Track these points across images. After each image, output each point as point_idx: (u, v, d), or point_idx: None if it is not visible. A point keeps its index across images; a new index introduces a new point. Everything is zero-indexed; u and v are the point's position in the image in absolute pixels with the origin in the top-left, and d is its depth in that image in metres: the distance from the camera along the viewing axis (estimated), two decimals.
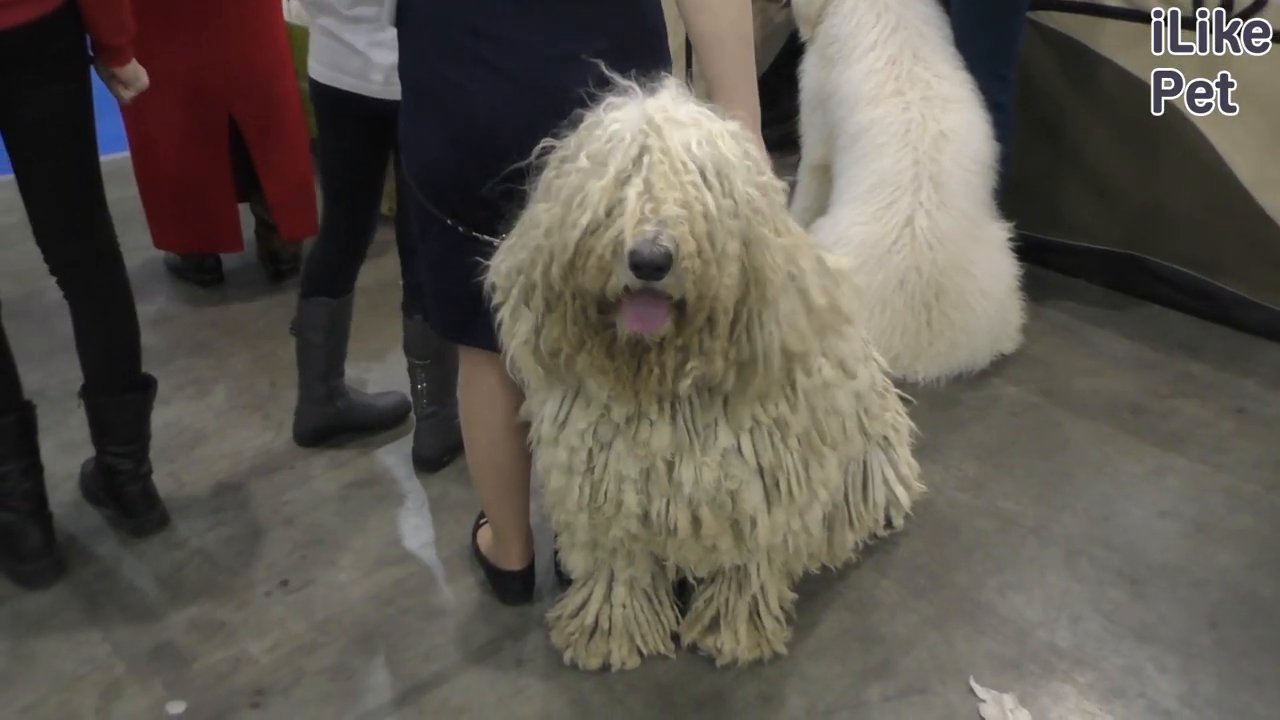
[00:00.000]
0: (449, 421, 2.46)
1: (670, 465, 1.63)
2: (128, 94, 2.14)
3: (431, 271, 1.85)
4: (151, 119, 3.00)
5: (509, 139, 1.58)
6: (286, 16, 3.20)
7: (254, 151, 3.13)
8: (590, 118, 1.46)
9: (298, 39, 3.15)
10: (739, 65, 1.61)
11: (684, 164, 1.37)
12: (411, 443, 2.59)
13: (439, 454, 2.53)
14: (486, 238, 1.68)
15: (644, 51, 1.63)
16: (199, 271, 3.41)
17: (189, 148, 3.07)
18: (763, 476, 1.67)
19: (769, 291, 1.47)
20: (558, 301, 1.45)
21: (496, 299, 1.59)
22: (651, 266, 1.33)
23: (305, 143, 3.25)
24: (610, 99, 1.46)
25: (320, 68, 2.28)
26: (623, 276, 1.37)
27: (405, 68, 1.69)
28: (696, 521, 1.67)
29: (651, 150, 1.37)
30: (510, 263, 1.53)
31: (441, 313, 1.88)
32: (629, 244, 1.34)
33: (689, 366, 1.49)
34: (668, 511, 1.66)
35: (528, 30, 1.57)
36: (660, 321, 1.42)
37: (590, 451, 1.66)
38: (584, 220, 1.36)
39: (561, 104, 1.54)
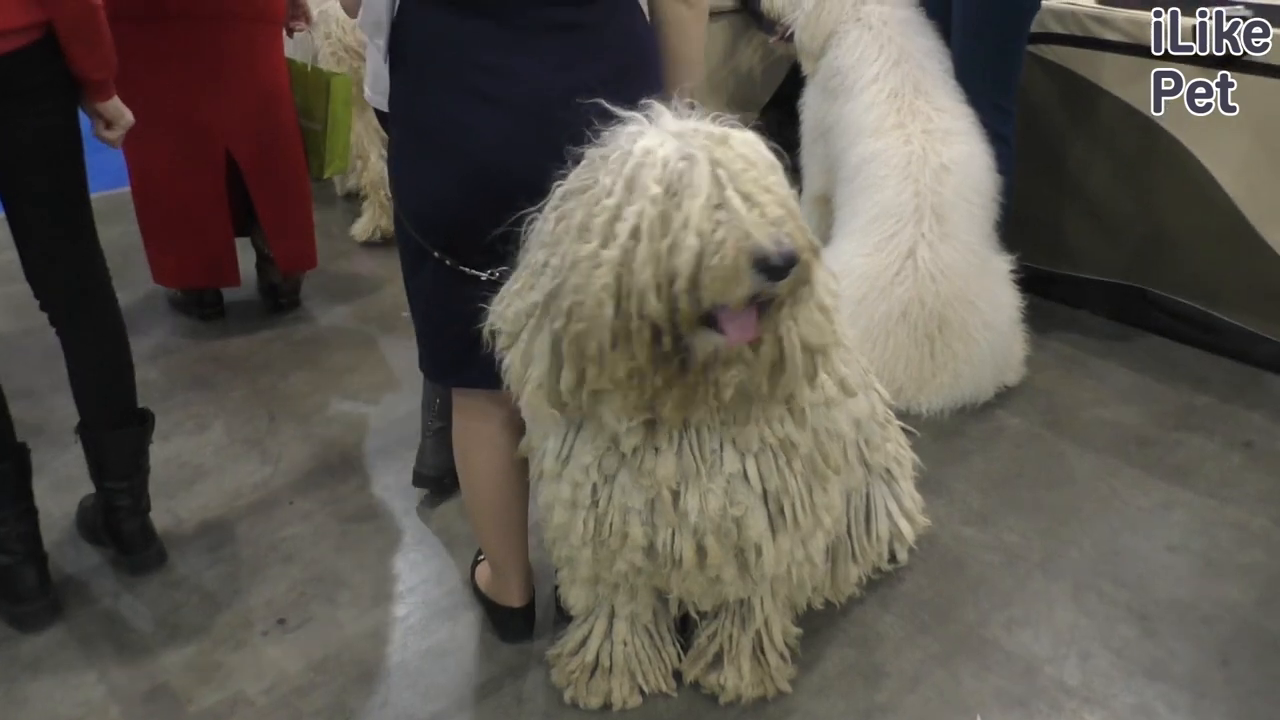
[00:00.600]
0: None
1: (676, 494, 1.61)
2: (112, 134, 2.10)
3: (423, 311, 1.83)
4: (149, 154, 3.01)
5: (514, 172, 1.58)
6: (287, 51, 3.21)
7: (251, 186, 3.14)
8: (607, 150, 1.44)
9: (297, 74, 3.16)
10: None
11: (764, 168, 1.40)
12: (410, 477, 2.56)
13: (440, 474, 2.48)
14: (479, 273, 1.67)
15: (643, 79, 1.63)
16: (199, 306, 3.40)
17: (186, 183, 3.07)
18: (767, 502, 1.65)
19: (804, 290, 1.48)
20: (624, 338, 1.41)
21: (503, 344, 1.56)
22: (784, 266, 1.35)
23: (304, 176, 3.25)
24: (621, 129, 1.45)
25: (370, 91, 2.31)
26: (748, 285, 1.36)
27: (399, 103, 1.68)
28: (701, 551, 1.65)
29: (726, 162, 1.38)
30: (519, 306, 1.51)
31: (435, 354, 1.86)
32: (765, 246, 1.34)
33: (731, 374, 1.48)
34: (673, 542, 1.64)
35: (528, 63, 1.57)
36: (757, 328, 1.43)
37: (595, 485, 1.64)
38: (690, 241, 1.34)
39: (567, 135, 1.55)
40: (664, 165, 1.38)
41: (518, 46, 1.58)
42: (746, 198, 1.37)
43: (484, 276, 1.66)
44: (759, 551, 1.67)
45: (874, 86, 2.90)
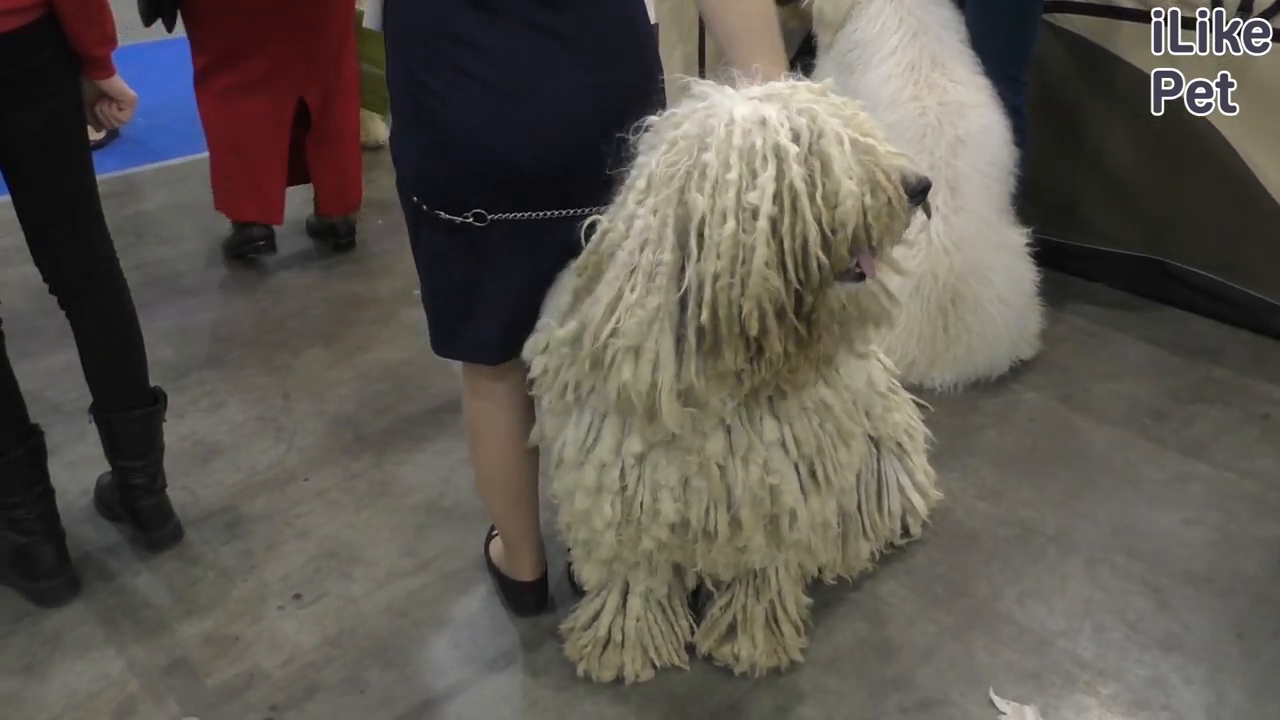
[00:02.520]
0: None
1: (722, 469, 1.59)
2: (125, 115, 2.09)
3: (424, 279, 1.83)
4: (234, 102, 3.28)
5: (488, 145, 1.58)
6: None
7: (314, 133, 3.41)
8: (691, 129, 1.40)
9: (357, 23, 3.40)
10: (764, 15, 1.61)
11: (862, 112, 1.41)
12: (423, 454, 2.58)
13: None
14: (463, 219, 1.66)
15: (630, 56, 1.61)
16: (250, 242, 3.57)
17: (261, 128, 3.32)
18: (798, 468, 1.64)
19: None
20: (783, 306, 1.38)
21: (619, 358, 1.45)
22: (927, 189, 1.39)
23: (356, 126, 3.57)
24: (690, 106, 1.43)
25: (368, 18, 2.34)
26: (907, 215, 1.39)
27: (391, 76, 1.68)
28: (736, 523, 1.64)
29: (838, 110, 1.39)
30: (640, 315, 1.42)
31: (434, 322, 1.86)
32: (911, 172, 1.37)
33: (838, 329, 1.48)
34: (708, 516, 1.63)
35: (503, 39, 1.55)
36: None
37: (623, 468, 1.62)
38: (849, 187, 1.33)
39: (540, 109, 1.55)
40: (784, 125, 1.35)
41: (496, 22, 1.55)
42: (871, 136, 1.38)
43: (459, 220, 1.66)
44: (793, 517, 1.67)
45: (892, 59, 2.87)
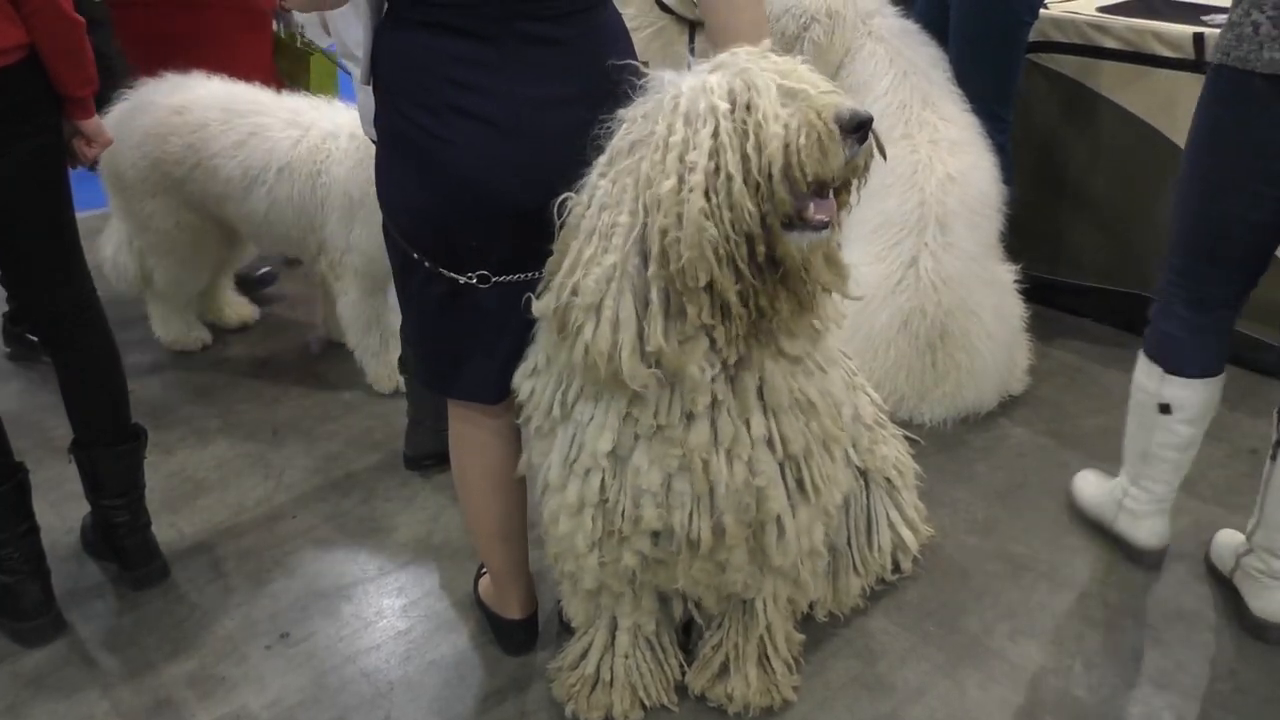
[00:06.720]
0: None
1: (706, 463, 1.59)
2: (92, 151, 2.11)
3: (414, 321, 1.84)
4: None
5: (491, 184, 1.59)
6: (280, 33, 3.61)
7: None
8: (646, 108, 1.47)
9: (283, 46, 3.59)
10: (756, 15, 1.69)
11: (803, 66, 1.46)
12: (412, 492, 2.58)
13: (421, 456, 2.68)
14: (467, 279, 1.68)
15: (621, 92, 1.63)
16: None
17: None
18: (785, 474, 1.64)
19: (869, 163, 1.52)
20: (726, 257, 1.42)
21: (581, 321, 1.50)
22: (865, 123, 1.40)
23: None
24: (652, 89, 1.48)
25: (364, 126, 2.34)
26: (841, 150, 1.39)
27: (382, 121, 1.69)
28: (720, 529, 1.63)
29: (775, 66, 1.44)
30: (597, 273, 1.47)
31: (426, 363, 1.86)
32: (845, 107, 1.39)
33: (818, 267, 1.50)
34: (690, 521, 1.63)
35: (503, 78, 1.58)
36: (834, 206, 1.47)
37: (604, 476, 1.62)
38: (775, 129, 1.37)
39: (540, 146, 1.57)
40: (721, 87, 1.42)
41: (492, 62, 1.58)
42: (808, 83, 1.43)
43: (461, 280, 1.69)
44: (780, 529, 1.67)
45: (884, 99, 2.90)
